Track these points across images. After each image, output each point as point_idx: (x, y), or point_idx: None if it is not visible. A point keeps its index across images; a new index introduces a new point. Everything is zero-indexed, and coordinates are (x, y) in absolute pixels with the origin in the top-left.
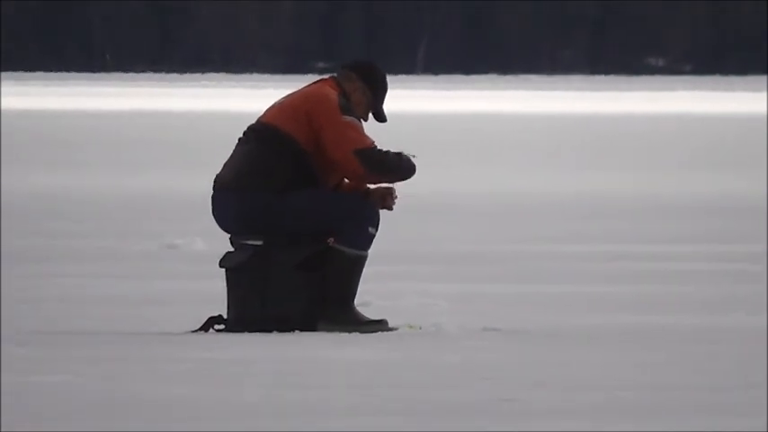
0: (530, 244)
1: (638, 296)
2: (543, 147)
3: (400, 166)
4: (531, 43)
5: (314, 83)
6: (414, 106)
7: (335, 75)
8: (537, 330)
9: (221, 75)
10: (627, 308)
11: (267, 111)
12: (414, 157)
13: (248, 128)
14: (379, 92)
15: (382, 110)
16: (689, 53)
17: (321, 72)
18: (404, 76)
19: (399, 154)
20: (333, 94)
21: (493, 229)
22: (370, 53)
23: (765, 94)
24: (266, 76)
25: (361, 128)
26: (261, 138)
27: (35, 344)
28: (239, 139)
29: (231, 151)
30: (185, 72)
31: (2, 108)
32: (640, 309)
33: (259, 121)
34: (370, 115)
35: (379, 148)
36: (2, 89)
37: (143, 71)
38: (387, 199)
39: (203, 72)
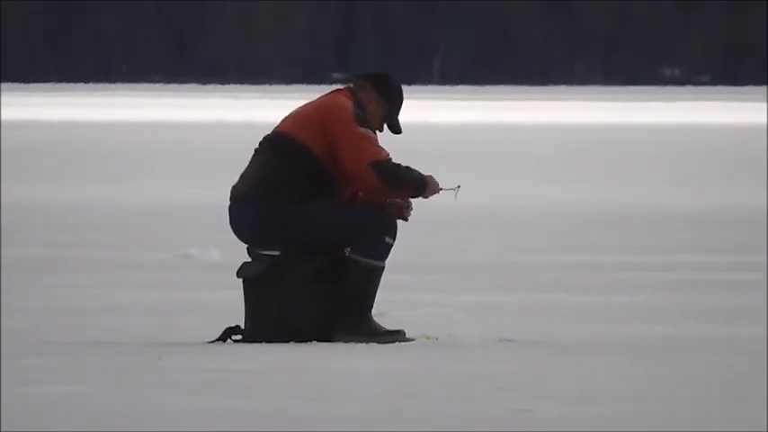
0: (545, 254)
1: (650, 306)
2: (557, 157)
3: (413, 179)
4: (546, 54)
5: (329, 93)
6: (429, 117)
7: (351, 85)
8: (553, 341)
9: (237, 86)
10: (641, 318)
11: (282, 121)
12: (459, 187)
13: (264, 138)
14: (395, 103)
15: (397, 121)
16: (705, 63)
17: (337, 83)
18: (420, 86)
19: (409, 168)
20: (348, 104)
21: (508, 239)
22: (385, 63)
23: None
24: (282, 86)
25: (376, 139)
26: (276, 148)
27: (50, 354)
28: (255, 150)
29: (248, 161)
30: (201, 83)
31: (15, 119)
32: (653, 319)
33: (275, 131)
34: (386, 126)
35: (393, 161)
36: (17, 100)
37: (159, 82)
38: (403, 210)
39: (219, 83)
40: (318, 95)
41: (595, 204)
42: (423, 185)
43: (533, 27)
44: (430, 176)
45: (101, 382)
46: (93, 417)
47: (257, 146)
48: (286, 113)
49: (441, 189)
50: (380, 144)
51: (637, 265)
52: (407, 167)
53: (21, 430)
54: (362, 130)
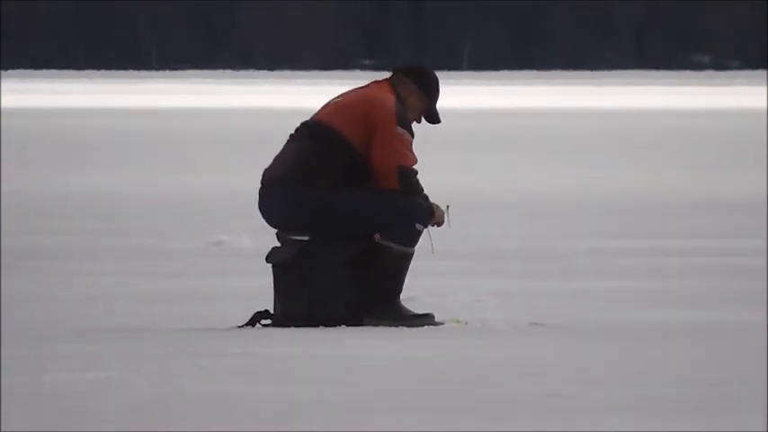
0: (575, 240)
1: (680, 291)
2: (585, 143)
3: (426, 200)
4: (577, 40)
5: (370, 85)
6: (459, 102)
7: (389, 78)
8: (583, 326)
9: (267, 72)
10: (672, 303)
11: (322, 109)
12: (448, 207)
13: (302, 124)
14: (433, 95)
15: (436, 112)
16: (736, 49)
17: (366, 69)
18: (449, 72)
19: (426, 194)
20: (391, 100)
21: (539, 225)
22: (415, 49)
23: None
24: (312, 72)
25: (411, 143)
26: (315, 135)
27: (80, 340)
28: (291, 135)
29: (280, 148)
30: (232, 69)
31: (43, 106)
32: (685, 303)
33: (314, 118)
34: (422, 117)
35: (418, 174)
36: (45, 87)
37: (189, 69)
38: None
39: (249, 69)
40: (349, 82)
41: (626, 190)
42: (432, 213)
43: (563, 12)
44: (437, 206)
45: (131, 369)
46: (123, 402)
47: (293, 131)
48: (317, 100)
49: (443, 223)
50: (413, 149)
51: (671, 250)
52: (424, 192)
53: (50, 417)
54: (401, 131)
